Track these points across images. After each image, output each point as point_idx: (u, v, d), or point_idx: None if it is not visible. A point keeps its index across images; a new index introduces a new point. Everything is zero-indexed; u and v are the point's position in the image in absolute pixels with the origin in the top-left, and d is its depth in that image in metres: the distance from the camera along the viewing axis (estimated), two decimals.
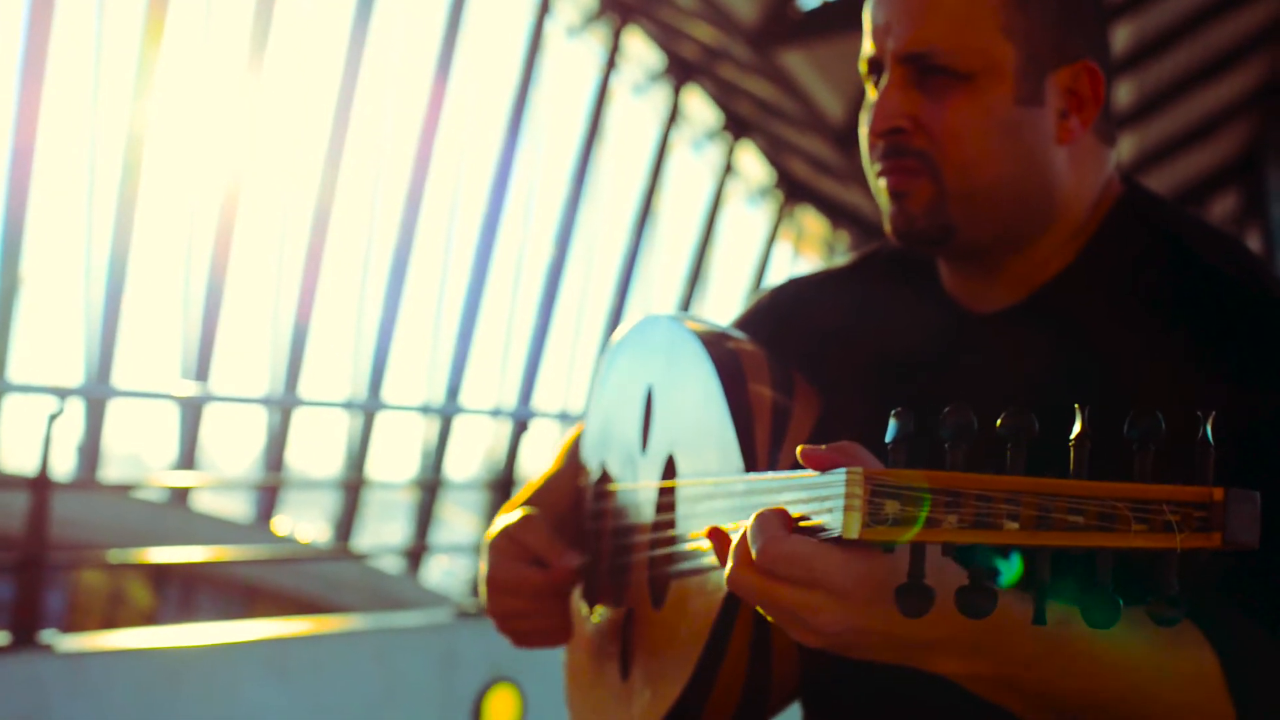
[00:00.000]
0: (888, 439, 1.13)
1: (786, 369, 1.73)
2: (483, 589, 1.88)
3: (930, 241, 1.63)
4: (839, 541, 1.17)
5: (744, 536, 1.26)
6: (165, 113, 11.76)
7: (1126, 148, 16.11)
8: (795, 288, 1.96)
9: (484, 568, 1.88)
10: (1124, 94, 15.44)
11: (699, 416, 1.68)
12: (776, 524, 1.23)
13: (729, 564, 1.26)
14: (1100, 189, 1.66)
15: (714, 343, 1.73)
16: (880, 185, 1.64)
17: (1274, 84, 17.02)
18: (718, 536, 1.35)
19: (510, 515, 1.90)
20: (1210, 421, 1.06)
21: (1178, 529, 1.04)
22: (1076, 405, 1.08)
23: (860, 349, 1.77)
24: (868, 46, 1.64)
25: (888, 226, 1.66)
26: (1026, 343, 1.62)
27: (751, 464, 1.58)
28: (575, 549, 1.89)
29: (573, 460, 2.08)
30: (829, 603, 1.20)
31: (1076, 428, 1.07)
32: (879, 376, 1.72)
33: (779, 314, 1.92)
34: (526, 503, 1.98)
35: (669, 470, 1.75)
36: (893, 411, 1.14)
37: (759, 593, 1.23)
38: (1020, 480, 1.07)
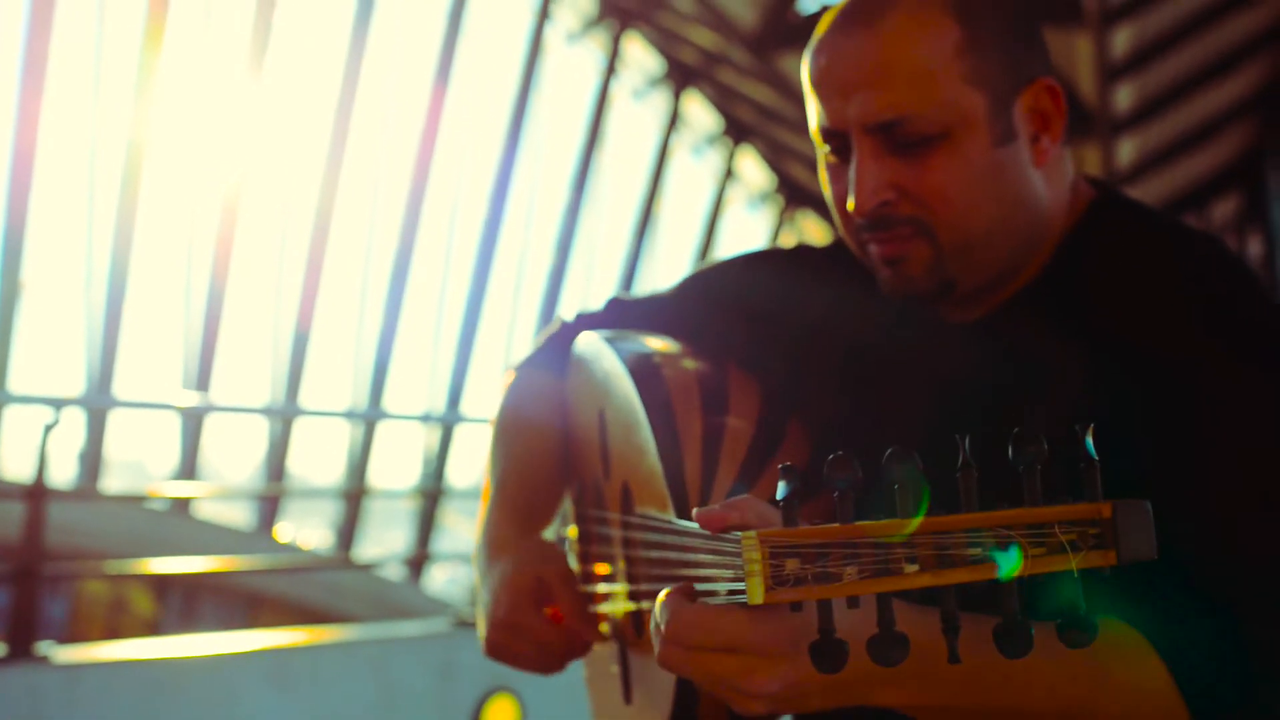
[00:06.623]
0: (778, 496, 1.11)
1: (720, 375, 1.71)
2: (485, 617, 1.81)
3: (932, 298, 1.61)
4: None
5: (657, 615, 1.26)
6: (166, 118, 11.75)
7: (1127, 151, 16.07)
8: (759, 266, 1.93)
9: (492, 592, 1.80)
10: (1125, 97, 15.41)
11: (637, 447, 1.66)
12: (679, 597, 1.24)
13: (655, 645, 1.26)
14: (1069, 193, 1.64)
15: (639, 368, 1.70)
16: (871, 252, 1.60)
17: (1275, 86, 16.96)
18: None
19: (532, 549, 1.83)
20: (1090, 433, 1.04)
21: (1074, 549, 1.02)
22: (956, 436, 1.06)
23: (824, 345, 1.76)
24: (821, 117, 1.58)
25: (884, 289, 1.62)
26: (988, 353, 1.60)
27: (681, 502, 1.55)
28: (595, 619, 1.84)
29: (545, 459, 2.02)
30: (758, 663, 1.20)
31: (960, 459, 1.05)
32: (845, 378, 1.71)
33: (738, 293, 1.89)
34: (520, 510, 1.93)
35: (627, 499, 1.73)
36: (781, 468, 1.12)
37: (688, 665, 1.23)
38: (912, 522, 1.05)
